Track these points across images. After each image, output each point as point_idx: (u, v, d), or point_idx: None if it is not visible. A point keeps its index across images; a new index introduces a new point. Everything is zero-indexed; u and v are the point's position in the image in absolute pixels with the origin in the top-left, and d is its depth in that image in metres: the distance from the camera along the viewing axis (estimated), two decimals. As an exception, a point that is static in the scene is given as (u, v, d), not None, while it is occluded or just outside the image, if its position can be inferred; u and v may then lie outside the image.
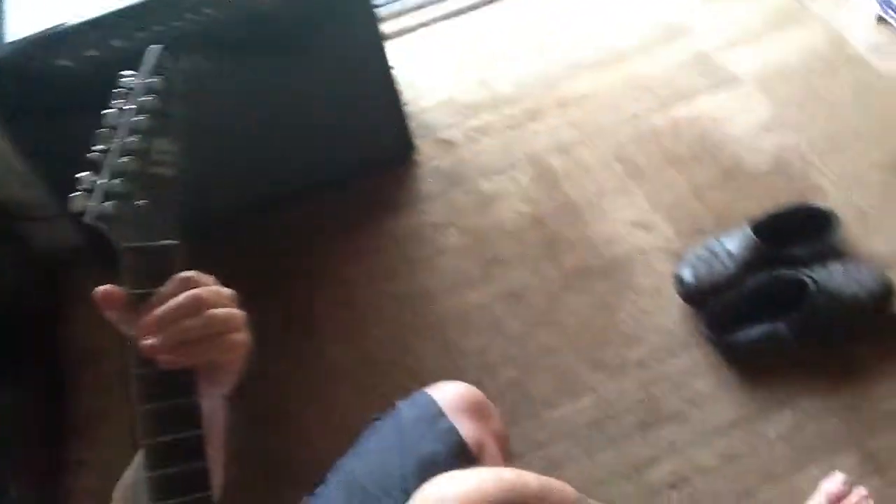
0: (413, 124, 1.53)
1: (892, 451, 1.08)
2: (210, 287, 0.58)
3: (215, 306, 0.57)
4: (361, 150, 1.47)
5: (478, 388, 0.92)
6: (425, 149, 1.54)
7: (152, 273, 0.56)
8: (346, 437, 0.89)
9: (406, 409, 0.93)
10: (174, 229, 0.57)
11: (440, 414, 0.90)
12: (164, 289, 0.55)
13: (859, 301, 1.16)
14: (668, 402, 1.17)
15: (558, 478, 1.09)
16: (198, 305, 0.56)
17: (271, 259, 1.39)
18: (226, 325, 0.58)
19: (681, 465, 1.11)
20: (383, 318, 1.32)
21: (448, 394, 0.93)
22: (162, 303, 0.55)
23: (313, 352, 1.29)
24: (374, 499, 0.83)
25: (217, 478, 0.73)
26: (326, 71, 1.32)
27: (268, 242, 1.42)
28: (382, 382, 1.25)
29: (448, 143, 1.54)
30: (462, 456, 0.86)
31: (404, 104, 1.46)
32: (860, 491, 1.03)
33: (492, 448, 0.92)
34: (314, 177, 1.46)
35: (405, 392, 0.91)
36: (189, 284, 0.56)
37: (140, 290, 0.55)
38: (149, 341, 0.54)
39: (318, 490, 0.89)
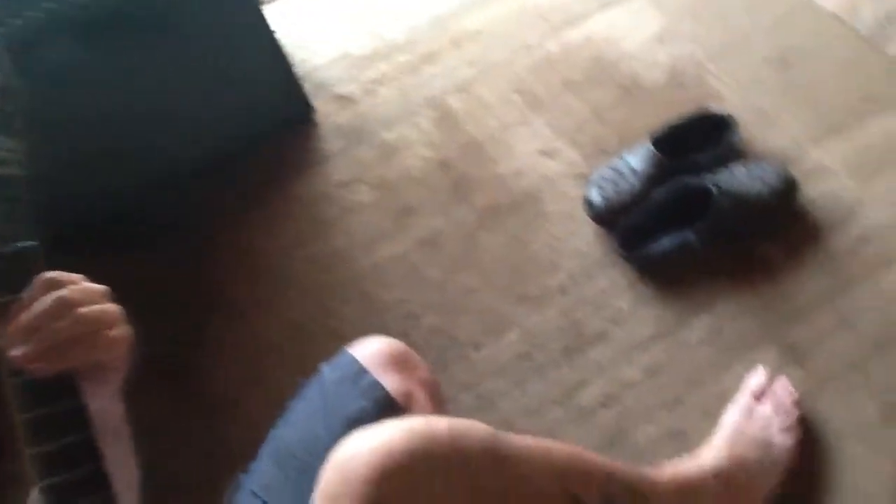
0: (308, 85, 1.49)
1: (809, 340, 1.10)
2: (77, 286, 0.56)
3: (84, 304, 0.54)
4: (257, 119, 1.43)
5: (403, 338, 0.91)
6: (323, 107, 1.50)
7: (12, 279, 0.53)
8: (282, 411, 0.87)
9: (329, 371, 0.91)
10: (31, 230, 0.54)
11: (362, 371, 0.89)
12: (28, 293, 0.53)
13: (763, 199, 1.18)
14: (590, 324, 1.17)
15: (492, 415, 1.12)
16: (64, 306, 0.53)
17: (181, 244, 1.35)
18: (98, 323, 0.56)
19: (609, 383, 1.12)
20: (302, 283, 1.30)
21: (369, 350, 0.92)
22: (26, 308, 0.52)
23: (240, 331, 1.27)
24: (306, 465, 0.82)
25: (127, 474, 0.71)
26: (204, 45, 1.27)
27: (176, 228, 1.38)
28: (311, 349, 1.23)
29: (346, 99, 1.51)
30: (389, 409, 0.85)
31: (294, 67, 1.42)
32: (782, 382, 1.05)
33: (420, 397, 0.91)
34: (212, 154, 1.41)
35: (332, 355, 0.89)
36: (53, 286, 0.54)
37: (1, 299, 0.52)
38: (17, 350, 0.51)
39: (252, 466, 0.87)
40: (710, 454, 0.96)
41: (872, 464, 1.01)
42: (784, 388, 1.05)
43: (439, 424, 0.74)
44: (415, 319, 1.22)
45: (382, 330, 0.95)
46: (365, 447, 0.69)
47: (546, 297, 1.21)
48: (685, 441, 1.04)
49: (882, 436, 1.02)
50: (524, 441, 0.75)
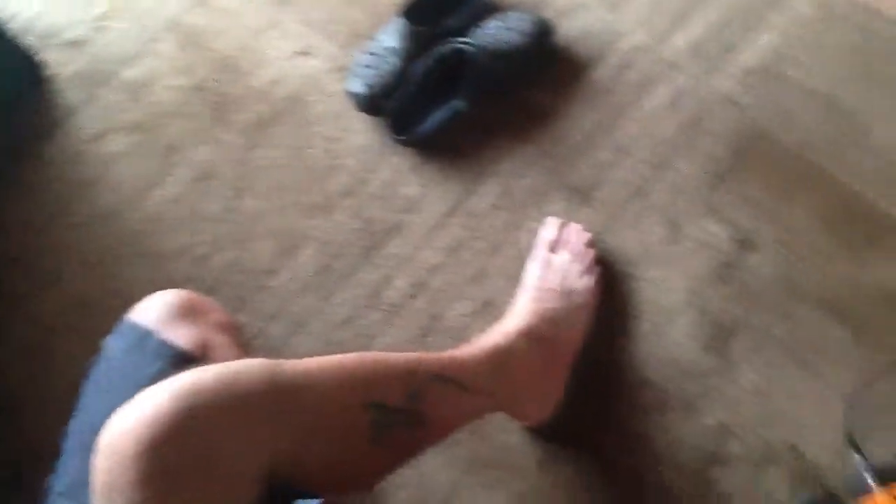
0: (31, 38, 1.33)
1: (591, 177, 1.11)
2: None
3: None
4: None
5: (196, 284, 0.85)
6: (54, 58, 1.35)
7: None
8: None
9: (113, 342, 0.84)
10: None
11: (147, 334, 0.82)
12: None
13: (520, 47, 1.15)
14: (382, 218, 1.14)
15: (306, 336, 1.08)
16: None
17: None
18: None
19: (413, 273, 1.10)
20: (77, 253, 1.19)
21: (150, 310, 0.84)
22: None
23: (23, 318, 1.16)
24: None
25: None
26: None
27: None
28: (101, 323, 1.13)
29: (76, 44, 1.36)
30: (185, 364, 0.78)
31: (6, 23, 1.26)
32: (573, 227, 1.06)
33: (219, 342, 0.85)
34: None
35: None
36: None
37: None
38: None
39: (57, 464, 0.80)
40: (515, 315, 0.96)
41: (668, 281, 1.04)
42: (576, 232, 1.05)
43: (205, 375, 0.69)
44: (204, 261, 1.15)
45: (172, 283, 0.87)
46: (130, 421, 0.63)
47: (333, 202, 1.16)
48: (496, 310, 1.04)
49: (670, 252, 1.05)
50: (309, 364, 0.70)
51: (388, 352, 0.75)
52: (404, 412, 0.75)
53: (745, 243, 1.03)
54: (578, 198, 1.10)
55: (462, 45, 1.12)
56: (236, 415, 0.64)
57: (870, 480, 0.84)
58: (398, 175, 1.16)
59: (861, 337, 0.97)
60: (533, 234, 1.07)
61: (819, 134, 1.08)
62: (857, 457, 0.87)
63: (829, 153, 1.07)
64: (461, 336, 1.03)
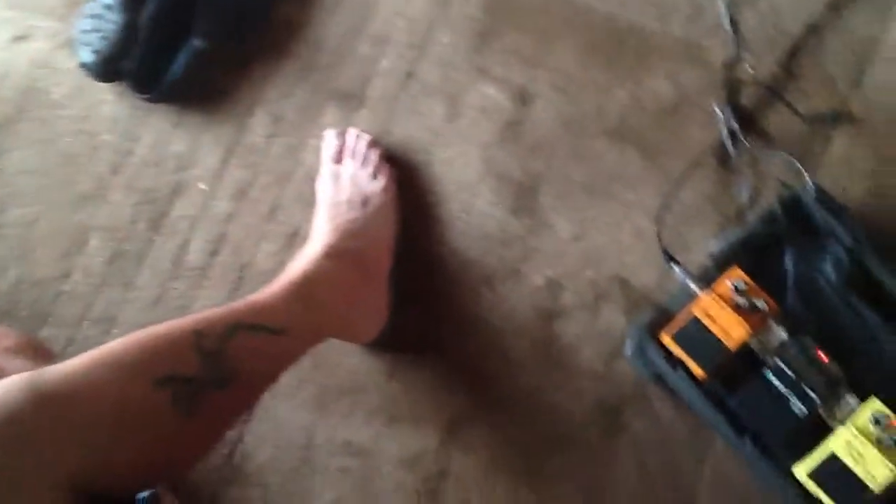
0: None
1: (356, 77, 1.06)
2: None
3: None
4: None
5: None
6: None
7: None
8: None
9: None
10: None
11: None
12: None
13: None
14: (160, 184, 1.06)
15: (122, 329, 1.01)
16: None
17: None
18: None
19: (208, 229, 1.04)
20: None
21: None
22: None
23: None
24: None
25: None
26: None
27: None
28: None
29: None
30: None
31: None
32: (351, 132, 1.02)
33: (12, 367, 0.77)
34: None
35: None
36: None
37: None
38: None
39: None
40: (314, 238, 0.92)
41: (463, 157, 1.01)
42: (355, 137, 1.01)
43: None
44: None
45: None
46: None
47: (104, 184, 1.07)
48: (303, 240, 0.98)
49: (456, 127, 1.02)
50: (75, 363, 0.64)
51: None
52: (208, 375, 0.70)
53: (523, 97, 1.01)
54: (352, 102, 1.05)
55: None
56: (6, 442, 0.58)
57: (693, 286, 0.85)
58: (162, 135, 1.08)
59: (652, 154, 0.97)
60: (317, 151, 1.02)
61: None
62: (676, 268, 0.88)
63: (580, -17, 1.05)
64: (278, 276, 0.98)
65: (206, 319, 0.73)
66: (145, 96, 1.06)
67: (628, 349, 0.90)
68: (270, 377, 0.78)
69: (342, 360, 0.96)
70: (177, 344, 0.70)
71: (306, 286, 0.84)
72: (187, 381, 0.68)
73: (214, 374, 0.70)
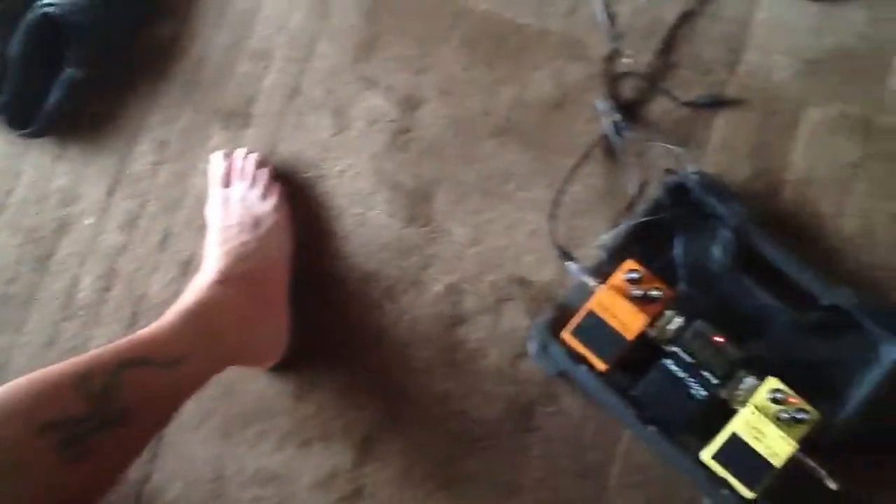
0: None
1: (240, 96, 1.04)
2: None
3: None
4: None
5: None
6: None
7: None
8: None
9: None
10: None
11: None
12: None
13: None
14: (44, 223, 1.03)
15: (9, 377, 0.96)
16: None
17: None
18: None
19: (98, 264, 1.00)
20: None
21: None
22: None
23: None
24: None
25: None
26: None
27: None
28: None
29: None
30: None
31: None
32: (238, 152, 1.00)
33: None
34: None
35: None
36: None
37: None
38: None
39: None
40: (206, 265, 0.89)
41: (354, 168, 1.00)
42: (242, 158, 0.99)
43: None
44: None
45: None
46: None
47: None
48: (196, 267, 0.96)
49: (345, 140, 1.01)
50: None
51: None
52: (95, 417, 0.68)
53: (410, 103, 1.01)
54: (237, 121, 1.03)
55: (46, 9, 0.99)
56: None
57: (589, 281, 0.86)
58: (43, 170, 1.04)
59: (542, 152, 0.97)
60: (206, 175, 0.99)
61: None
62: (571, 265, 0.88)
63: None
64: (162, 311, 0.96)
65: (91, 359, 0.70)
66: (22, 132, 1.02)
67: (532, 349, 0.90)
68: (166, 412, 0.76)
69: (247, 386, 0.94)
70: (60, 387, 0.67)
71: (200, 315, 0.82)
72: (75, 425, 0.66)
73: (103, 416, 0.68)
